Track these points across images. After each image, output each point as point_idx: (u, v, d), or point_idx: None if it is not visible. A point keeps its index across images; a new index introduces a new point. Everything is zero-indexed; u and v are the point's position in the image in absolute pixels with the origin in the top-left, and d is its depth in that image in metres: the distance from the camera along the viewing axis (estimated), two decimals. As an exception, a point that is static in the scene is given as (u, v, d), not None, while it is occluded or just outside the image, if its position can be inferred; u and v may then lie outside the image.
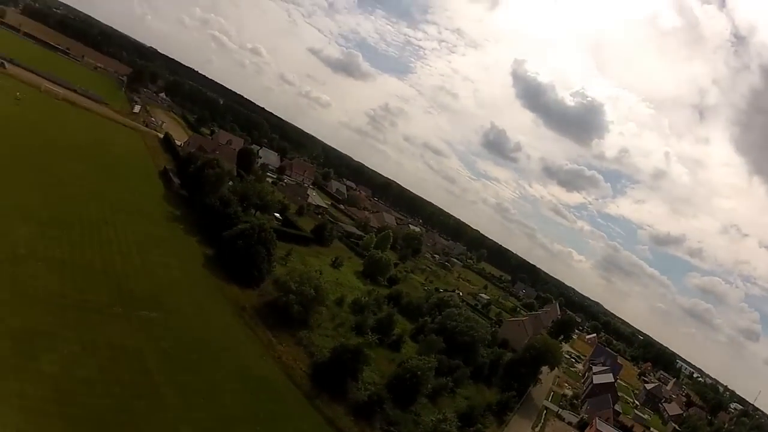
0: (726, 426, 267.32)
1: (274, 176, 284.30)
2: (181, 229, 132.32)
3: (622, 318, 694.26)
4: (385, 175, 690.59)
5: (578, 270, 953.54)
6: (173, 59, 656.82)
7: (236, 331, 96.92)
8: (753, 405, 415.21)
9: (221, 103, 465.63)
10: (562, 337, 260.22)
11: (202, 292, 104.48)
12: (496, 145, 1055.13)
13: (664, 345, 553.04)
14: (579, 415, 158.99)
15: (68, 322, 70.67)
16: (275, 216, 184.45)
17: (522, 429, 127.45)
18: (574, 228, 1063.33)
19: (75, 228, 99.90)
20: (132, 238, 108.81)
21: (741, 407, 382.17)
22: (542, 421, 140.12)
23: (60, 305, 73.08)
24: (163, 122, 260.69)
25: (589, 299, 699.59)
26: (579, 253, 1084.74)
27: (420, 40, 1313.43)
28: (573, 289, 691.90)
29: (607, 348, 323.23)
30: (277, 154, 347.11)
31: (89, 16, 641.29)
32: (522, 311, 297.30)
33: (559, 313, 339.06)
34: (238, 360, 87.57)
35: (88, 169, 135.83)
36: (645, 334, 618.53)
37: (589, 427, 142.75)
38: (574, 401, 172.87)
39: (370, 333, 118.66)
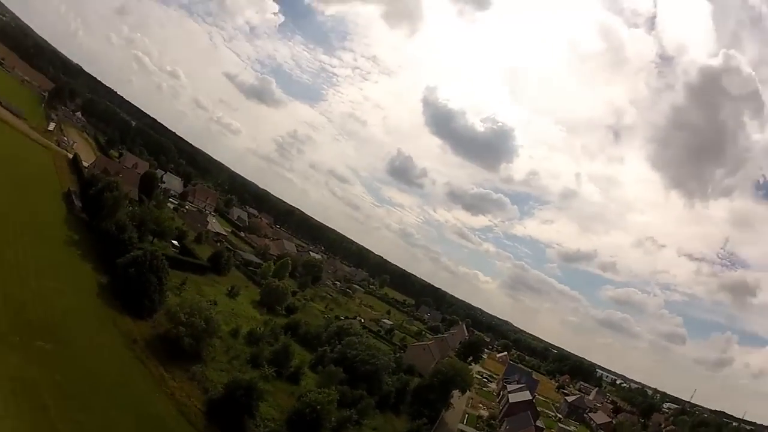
0: (664, 427, 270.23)
1: (176, 202, 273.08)
2: (78, 254, 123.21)
3: (533, 334, 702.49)
4: (290, 203, 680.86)
5: (485, 291, 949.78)
6: (96, 78, 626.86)
7: (129, 365, 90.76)
8: (689, 402, 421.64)
9: (133, 125, 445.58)
10: (471, 358, 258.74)
11: (95, 322, 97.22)
12: (402, 172, 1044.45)
13: (581, 356, 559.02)
14: None
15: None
16: (172, 243, 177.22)
17: None
18: (480, 250, 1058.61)
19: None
20: (32, 262, 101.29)
21: (676, 406, 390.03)
22: None
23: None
24: (74, 142, 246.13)
25: (497, 318, 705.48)
26: (485, 275, 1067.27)
27: (335, 67, 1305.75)
28: (480, 309, 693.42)
29: (519, 365, 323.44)
30: (180, 179, 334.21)
31: (28, 26, 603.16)
32: (428, 335, 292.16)
33: (466, 334, 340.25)
34: (131, 396, 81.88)
35: None
36: (558, 347, 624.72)
37: None
38: (492, 422, 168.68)
39: (266, 365, 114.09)
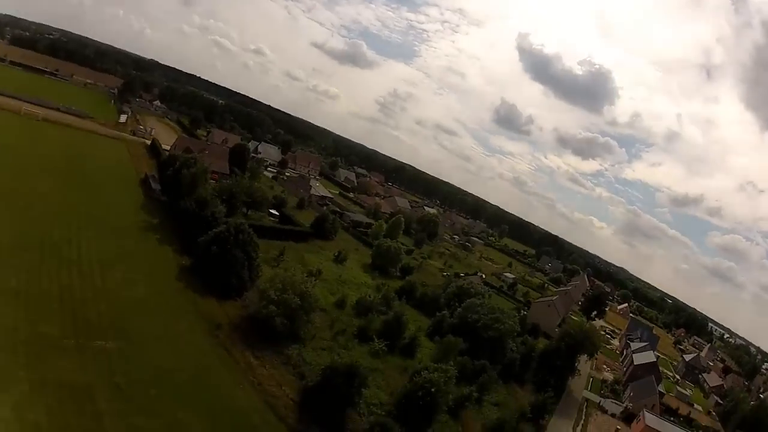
0: (763, 390, 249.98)
1: (275, 171, 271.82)
2: (156, 239, 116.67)
3: (648, 282, 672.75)
4: (400, 160, 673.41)
5: (600, 237, 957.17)
6: (175, 68, 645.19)
7: (210, 355, 79.81)
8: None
9: (220, 103, 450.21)
10: (595, 312, 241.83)
11: (171, 310, 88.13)
12: (508, 120, 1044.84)
13: (692, 307, 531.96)
14: (622, 403, 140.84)
15: (19, 358, 61.61)
16: (270, 212, 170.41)
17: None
18: (593, 195, 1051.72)
19: (35, 252, 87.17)
20: (96, 256, 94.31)
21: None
22: (584, 417, 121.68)
23: (12, 340, 64.05)
24: (152, 129, 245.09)
25: (614, 265, 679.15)
26: (600, 221, 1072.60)
27: (422, 23, 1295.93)
28: (597, 256, 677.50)
29: (641, 319, 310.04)
30: (278, 148, 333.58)
31: (85, 37, 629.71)
32: (550, 287, 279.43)
33: (588, 284, 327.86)
34: (209, 391, 71.23)
35: (58, 186, 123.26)
36: (673, 297, 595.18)
37: (636, 422, 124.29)
38: (616, 386, 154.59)
39: (376, 339, 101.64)
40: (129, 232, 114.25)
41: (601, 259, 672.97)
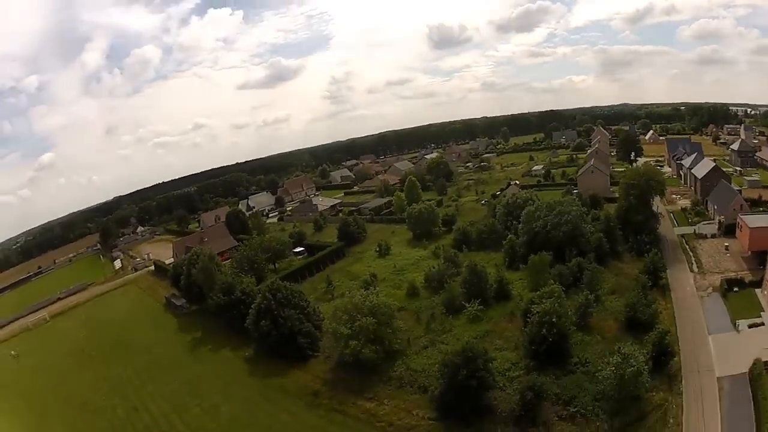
0: None
1: (276, 213, 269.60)
2: (209, 350, 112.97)
3: (652, 102, 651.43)
4: (377, 133, 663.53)
5: (588, 89, 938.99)
6: (139, 190, 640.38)
7: (324, 427, 74.01)
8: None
9: (193, 190, 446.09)
10: (633, 153, 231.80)
11: (263, 409, 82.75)
12: (445, 40, 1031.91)
13: (702, 102, 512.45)
14: (713, 220, 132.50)
15: None
16: (295, 252, 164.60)
17: (683, 280, 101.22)
18: (558, 58, 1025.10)
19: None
20: (167, 405, 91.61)
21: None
22: (691, 255, 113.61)
23: None
24: (148, 254, 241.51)
25: (615, 106, 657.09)
26: (578, 76, 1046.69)
27: (316, 8, 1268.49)
28: (596, 107, 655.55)
29: (675, 135, 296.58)
30: (267, 192, 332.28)
31: (46, 222, 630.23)
32: (579, 156, 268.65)
33: (607, 134, 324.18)
34: None
35: (94, 369, 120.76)
36: (682, 102, 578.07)
37: (739, 230, 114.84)
38: (697, 208, 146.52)
39: (466, 304, 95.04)
40: (182, 360, 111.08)
41: (601, 107, 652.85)
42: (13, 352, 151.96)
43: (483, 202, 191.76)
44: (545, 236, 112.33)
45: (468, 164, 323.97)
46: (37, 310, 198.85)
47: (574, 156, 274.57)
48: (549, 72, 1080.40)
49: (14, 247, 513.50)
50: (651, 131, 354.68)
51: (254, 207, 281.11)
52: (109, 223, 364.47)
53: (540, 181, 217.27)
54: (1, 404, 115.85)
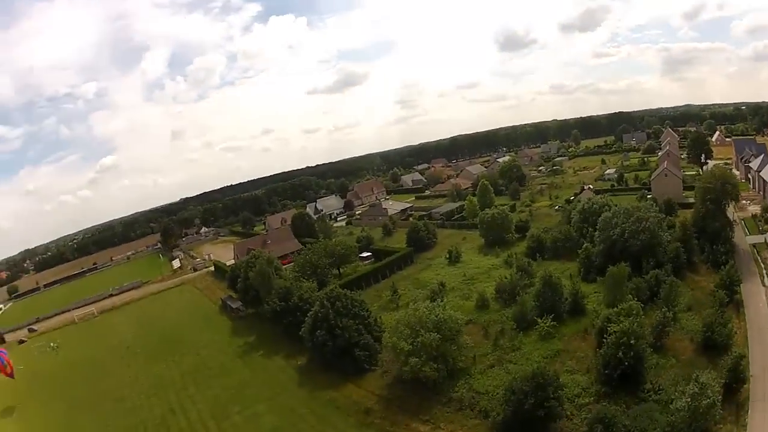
0: None
1: (344, 216, 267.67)
2: (260, 356, 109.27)
3: (715, 102, 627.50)
4: (449, 137, 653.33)
5: (652, 90, 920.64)
6: (206, 192, 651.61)
7: None
8: None
9: (260, 193, 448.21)
10: (704, 156, 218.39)
11: (308, 423, 77.72)
12: (511, 42, 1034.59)
13: (762, 101, 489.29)
14: None
15: None
16: (362, 257, 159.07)
17: (757, 295, 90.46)
18: (623, 57, 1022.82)
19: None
20: (206, 410, 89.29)
21: None
22: (763, 267, 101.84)
23: None
24: (209, 255, 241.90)
25: (679, 107, 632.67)
26: (642, 75, 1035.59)
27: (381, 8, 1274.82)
28: (661, 108, 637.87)
29: (740, 137, 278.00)
30: (335, 194, 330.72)
31: (109, 221, 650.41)
32: (649, 159, 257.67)
33: (676, 136, 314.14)
34: None
35: (137, 366, 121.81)
36: (742, 102, 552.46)
37: None
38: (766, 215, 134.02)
39: (538, 319, 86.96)
40: (230, 366, 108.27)
41: (666, 108, 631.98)
42: (52, 344, 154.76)
43: (557, 207, 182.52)
44: (623, 245, 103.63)
45: (540, 168, 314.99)
46: (85, 305, 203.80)
47: (645, 159, 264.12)
48: (615, 72, 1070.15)
49: (70, 243, 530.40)
50: (717, 132, 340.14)
51: (322, 210, 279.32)
52: (170, 223, 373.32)
53: (613, 186, 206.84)
54: (34, 393, 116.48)
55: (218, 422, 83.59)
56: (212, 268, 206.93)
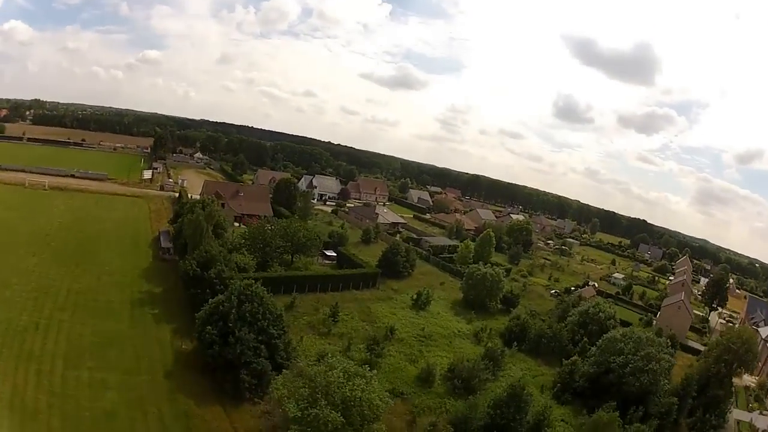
0: None
1: (334, 203, 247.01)
2: (152, 316, 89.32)
3: (732, 249, 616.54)
4: (472, 172, 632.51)
5: (677, 212, 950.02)
6: (226, 123, 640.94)
7: None
8: None
9: (269, 145, 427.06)
10: (717, 300, 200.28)
11: (147, 426, 60.57)
12: (569, 111, 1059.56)
13: None
14: None
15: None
16: (325, 254, 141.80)
17: None
18: (663, 171, 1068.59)
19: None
20: (64, 347, 74.02)
21: None
22: None
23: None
24: (183, 180, 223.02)
25: (696, 239, 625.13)
26: (674, 195, 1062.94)
27: (461, 33, 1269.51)
28: (679, 233, 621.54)
29: (757, 296, 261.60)
30: (336, 179, 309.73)
31: (125, 109, 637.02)
32: (662, 279, 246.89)
33: (692, 267, 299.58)
34: None
35: (46, 260, 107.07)
36: (757, 259, 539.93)
37: None
38: (759, 392, 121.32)
39: None
40: (118, 310, 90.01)
41: (683, 234, 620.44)
42: None
43: (553, 292, 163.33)
44: (618, 379, 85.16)
45: (549, 241, 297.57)
46: (44, 174, 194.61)
47: (656, 278, 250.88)
48: (650, 181, 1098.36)
49: (76, 112, 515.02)
50: (731, 281, 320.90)
51: (316, 187, 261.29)
52: (166, 134, 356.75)
53: (618, 293, 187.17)
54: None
55: (64, 368, 68.53)
56: (177, 195, 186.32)
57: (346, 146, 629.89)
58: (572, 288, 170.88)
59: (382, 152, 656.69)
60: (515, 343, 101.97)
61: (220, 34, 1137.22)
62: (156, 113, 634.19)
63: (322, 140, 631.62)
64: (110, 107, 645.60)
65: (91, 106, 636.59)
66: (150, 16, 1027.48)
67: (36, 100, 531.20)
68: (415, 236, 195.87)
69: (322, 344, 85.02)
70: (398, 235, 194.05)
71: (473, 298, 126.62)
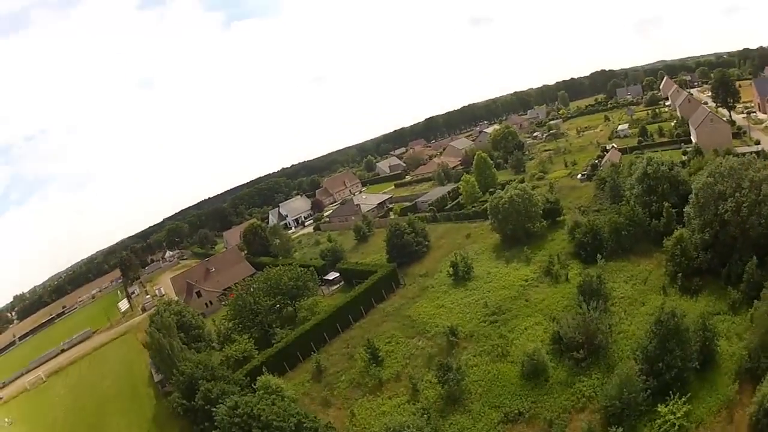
0: None
1: (311, 221, 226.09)
2: None
3: (685, 56, 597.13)
4: (421, 119, 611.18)
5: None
6: (187, 207, 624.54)
7: None
8: None
9: (225, 204, 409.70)
10: (730, 100, 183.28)
11: None
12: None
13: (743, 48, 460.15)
14: None
15: None
16: (326, 281, 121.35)
17: None
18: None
19: None
20: None
21: None
22: None
23: None
24: (160, 288, 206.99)
25: (651, 63, 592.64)
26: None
27: None
28: (636, 66, 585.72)
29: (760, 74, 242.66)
30: (302, 195, 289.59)
31: (96, 252, 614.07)
32: (661, 109, 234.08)
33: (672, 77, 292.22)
34: None
35: None
36: (715, 53, 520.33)
37: None
38: None
39: (660, 406, 46.84)
40: None
41: (642, 66, 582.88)
42: (7, 420, 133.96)
43: (581, 176, 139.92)
44: (741, 227, 62.18)
45: (535, 134, 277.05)
46: (40, 365, 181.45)
47: (657, 110, 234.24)
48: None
49: (53, 283, 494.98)
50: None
51: (287, 216, 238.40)
52: (129, 253, 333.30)
53: (641, 141, 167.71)
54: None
55: None
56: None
57: (299, 162, 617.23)
58: (596, 161, 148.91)
59: (334, 149, 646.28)
60: (598, 255, 77.62)
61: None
62: (121, 240, 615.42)
63: (272, 171, 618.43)
64: (79, 260, 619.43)
65: (65, 271, 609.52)
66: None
67: (18, 296, 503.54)
68: (408, 203, 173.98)
69: (381, 405, 62.65)
70: (391, 212, 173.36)
71: (512, 232, 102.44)
